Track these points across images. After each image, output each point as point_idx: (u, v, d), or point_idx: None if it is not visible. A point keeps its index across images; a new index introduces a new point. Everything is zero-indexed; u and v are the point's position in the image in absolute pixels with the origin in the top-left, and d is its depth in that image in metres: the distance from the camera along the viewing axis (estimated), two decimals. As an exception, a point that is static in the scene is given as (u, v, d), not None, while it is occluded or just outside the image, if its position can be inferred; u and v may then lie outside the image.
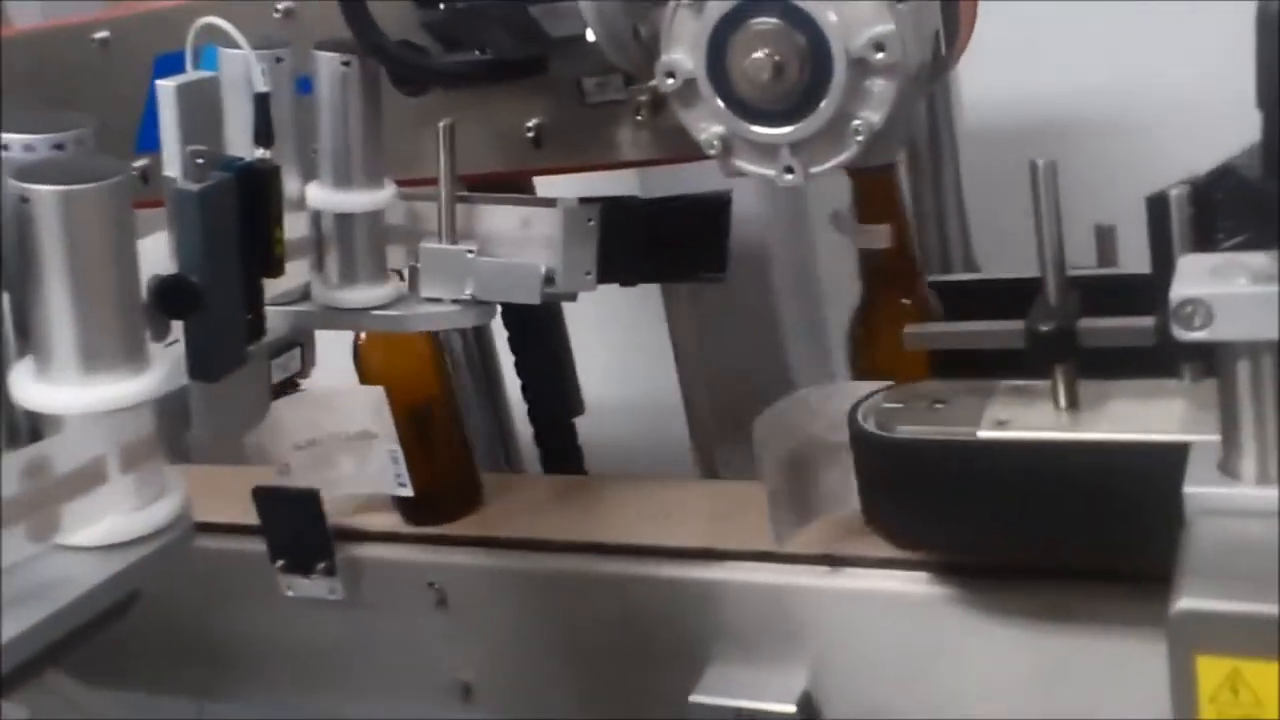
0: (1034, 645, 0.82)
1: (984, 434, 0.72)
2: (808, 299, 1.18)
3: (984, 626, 0.83)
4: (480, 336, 1.19)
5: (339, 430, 0.99)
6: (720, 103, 0.66)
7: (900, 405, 0.77)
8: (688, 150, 0.81)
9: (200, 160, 0.68)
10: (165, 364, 0.61)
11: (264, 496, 1.02)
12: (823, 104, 0.64)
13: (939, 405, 0.76)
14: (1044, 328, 0.70)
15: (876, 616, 0.87)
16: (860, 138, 0.64)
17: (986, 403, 0.75)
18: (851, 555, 0.88)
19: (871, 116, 0.64)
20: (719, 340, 1.12)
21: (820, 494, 0.86)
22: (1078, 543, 0.72)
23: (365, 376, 1.01)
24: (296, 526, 1.01)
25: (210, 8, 0.73)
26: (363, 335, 0.99)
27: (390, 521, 1.04)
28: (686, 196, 0.83)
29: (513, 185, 0.97)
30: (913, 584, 0.85)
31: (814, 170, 0.66)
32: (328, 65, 0.76)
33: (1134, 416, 0.71)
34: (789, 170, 0.66)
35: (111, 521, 0.59)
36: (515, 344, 1.11)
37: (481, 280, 0.81)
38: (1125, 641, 0.79)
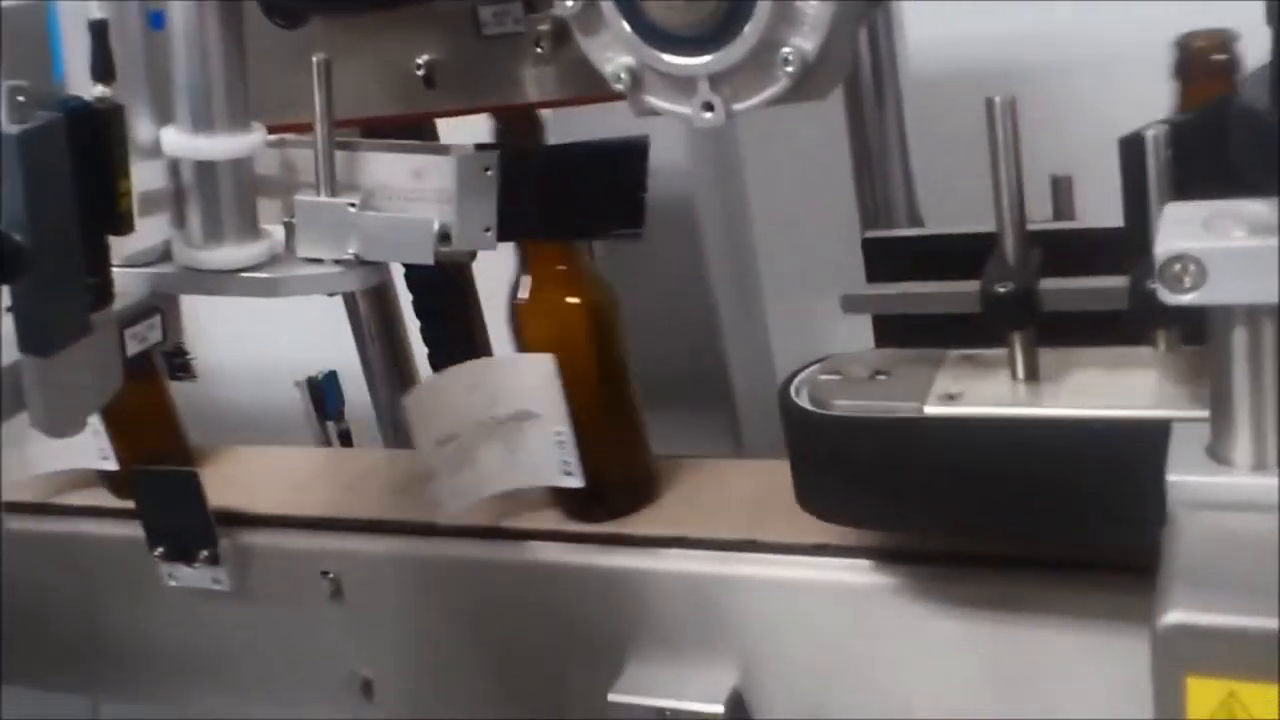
0: (983, 638, 0.75)
1: (931, 410, 0.64)
2: (740, 257, 1.09)
3: (929, 618, 0.76)
4: (383, 300, 1.09)
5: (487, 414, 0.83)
6: (627, 28, 0.57)
7: (837, 377, 0.68)
8: (599, 88, 0.72)
9: (21, 98, 0.58)
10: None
11: (139, 478, 0.92)
12: (746, 28, 0.54)
13: (881, 376, 0.68)
14: (1001, 289, 0.61)
15: (813, 607, 0.79)
16: (790, 69, 0.55)
17: (934, 374, 0.67)
18: (785, 542, 0.79)
19: (803, 44, 0.55)
20: (643, 302, 1.03)
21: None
22: (1036, 530, 0.64)
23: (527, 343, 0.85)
24: (176, 511, 0.91)
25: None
26: (523, 293, 0.83)
27: (278, 504, 0.94)
28: (597, 143, 0.73)
29: (413, 131, 0.88)
30: (852, 572, 0.78)
31: (737, 107, 0.57)
32: (182, -12, 0.66)
33: (1101, 390, 0.63)
34: (708, 107, 0.57)
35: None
36: (420, 309, 1.01)
37: (367, 237, 0.72)
38: (1082, 635, 0.72)
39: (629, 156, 0.74)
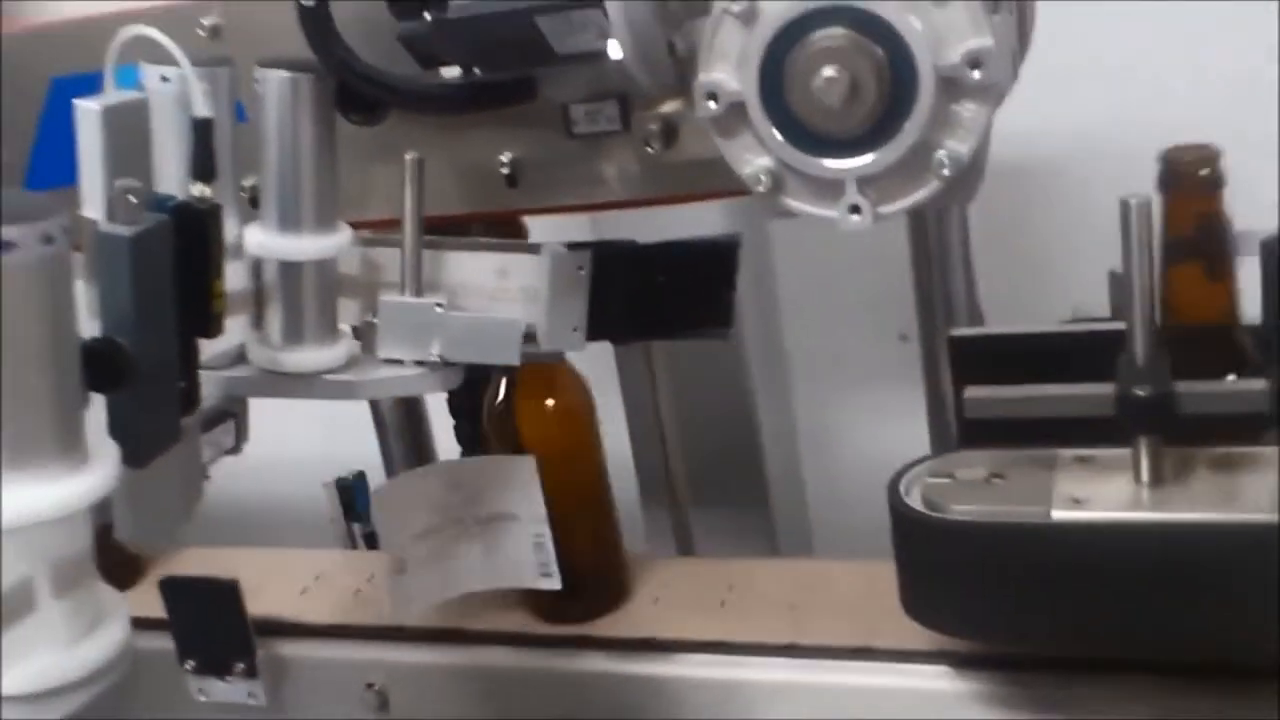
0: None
1: (1060, 515, 0.63)
2: (772, 350, 1.08)
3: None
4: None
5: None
6: (775, 132, 0.55)
7: (948, 480, 0.67)
8: (691, 187, 0.70)
9: (132, 198, 0.55)
10: (107, 457, 0.48)
11: (172, 586, 0.88)
12: (906, 127, 0.53)
13: (996, 480, 0.66)
14: (1140, 392, 0.60)
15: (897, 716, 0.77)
16: (946, 172, 0.54)
17: (1052, 477, 0.65)
18: (869, 647, 0.78)
19: (959, 147, 0.54)
20: (682, 394, 1.01)
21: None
22: (1176, 638, 0.62)
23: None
24: (211, 621, 0.87)
25: (119, 22, 0.61)
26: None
27: (320, 612, 0.90)
28: (689, 241, 0.72)
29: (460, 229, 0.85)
30: (936, 680, 0.76)
31: (884, 210, 0.56)
32: (277, 85, 0.64)
33: (1229, 493, 0.62)
34: (855, 210, 0.56)
35: (43, 660, 0.45)
36: (455, 406, 0.98)
37: (451, 338, 0.69)
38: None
39: (720, 255, 0.72)
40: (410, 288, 0.69)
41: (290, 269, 0.67)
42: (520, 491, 0.82)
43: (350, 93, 0.67)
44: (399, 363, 0.70)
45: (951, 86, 0.53)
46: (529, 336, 0.70)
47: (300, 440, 1.06)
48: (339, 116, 0.69)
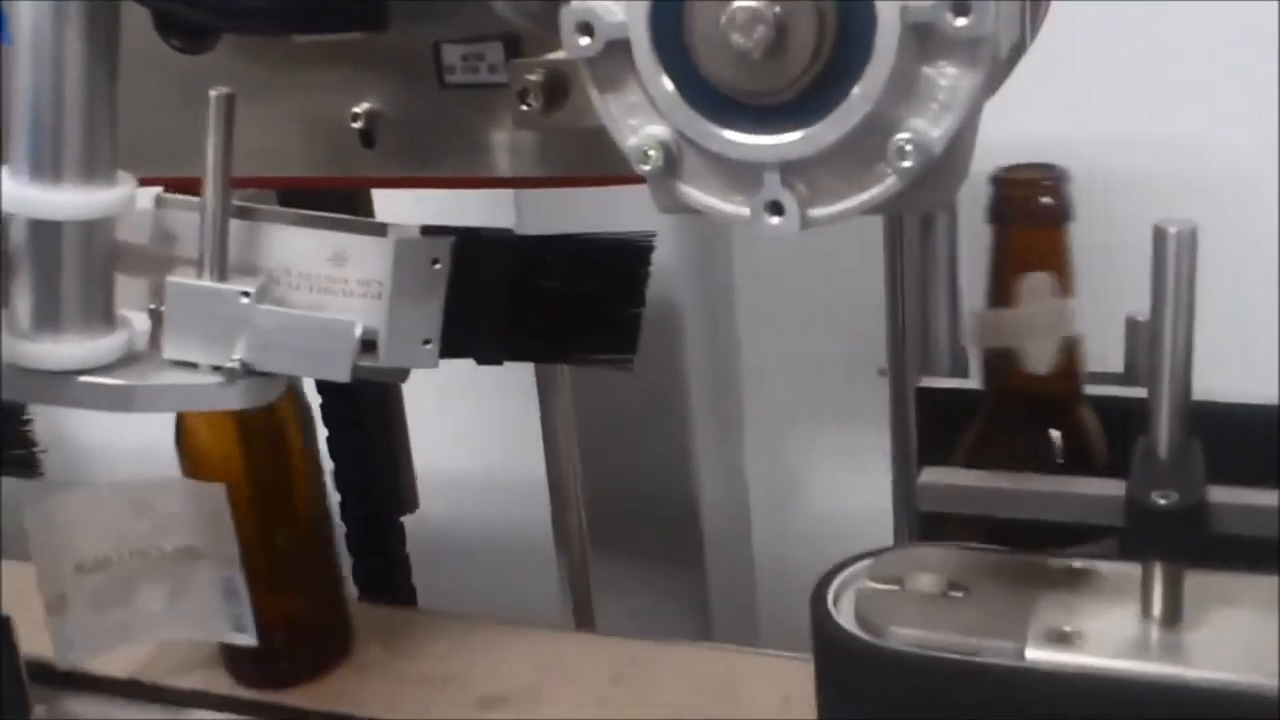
0: None
1: (1036, 654, 0.46)
2: (722, 378, 0.91)
3: None
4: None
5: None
6: (668, 85, 0.38)
7: (894, 589, 0.50)
8: (601, 166, 0.54)
9: None
10: None
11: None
12: (854, 94, 0.36)
13: (956, 594, 0.49)
14: (1160, 500, 0.43)
15: None
16: (906, 163, 0.37)
17: (1031, 596, 0.48)
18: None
19: (929, 130, 0.37)
20: (604, 420, 0.85)
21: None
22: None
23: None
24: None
25: None
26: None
27: (116, 666, 0.73)
28: (587, 239, 0.55)
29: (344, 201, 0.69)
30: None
31: (818, 213, 0.39)
32: (30, -16, 0.48)
33: (1264, 645, 0.45)
34: (776, 209, 0.39)
35: None
36: (329, 414, 0.82)
37: (260, 340, 0.53)
38: None
39: (625, 260, 0.56)
40: (211, 269, 0.53)
41: (45, 231, 0.51)
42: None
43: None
44: (193, 367, 0.54)
45: (924, 39, 0.36)
46: (368, 344, 0.54)
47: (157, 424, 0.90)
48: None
